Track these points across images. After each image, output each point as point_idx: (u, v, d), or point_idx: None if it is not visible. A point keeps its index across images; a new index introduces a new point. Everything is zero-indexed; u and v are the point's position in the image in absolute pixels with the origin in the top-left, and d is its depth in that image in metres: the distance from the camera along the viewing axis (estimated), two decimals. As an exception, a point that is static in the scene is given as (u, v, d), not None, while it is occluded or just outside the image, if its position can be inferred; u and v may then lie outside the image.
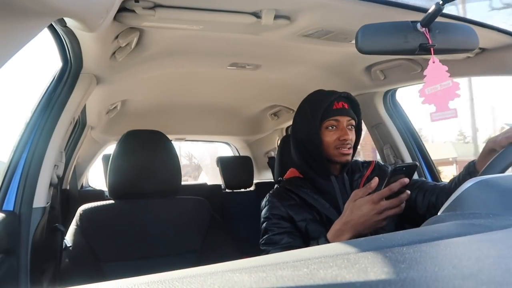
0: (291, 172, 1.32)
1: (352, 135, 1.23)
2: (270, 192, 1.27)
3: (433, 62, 0.86)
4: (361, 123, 1.29)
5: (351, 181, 1.26)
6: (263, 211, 1.22)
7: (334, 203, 1.20)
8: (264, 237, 1.17)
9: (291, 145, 1.31)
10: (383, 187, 0.94)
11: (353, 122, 1.24)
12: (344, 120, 1.21)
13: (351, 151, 1.22)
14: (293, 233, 1.15)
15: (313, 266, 0.34)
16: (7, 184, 1.18)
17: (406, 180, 0.93)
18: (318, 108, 1.20)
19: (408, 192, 0.96)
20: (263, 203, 1.25)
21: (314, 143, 1.20)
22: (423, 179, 1.28)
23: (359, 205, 0.97)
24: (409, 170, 0.94)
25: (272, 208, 1.19)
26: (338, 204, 1.20)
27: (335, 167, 1.25)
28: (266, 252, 1.13)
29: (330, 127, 1.21)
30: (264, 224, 1.19)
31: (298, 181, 1.26)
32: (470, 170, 1.08)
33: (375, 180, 0.97)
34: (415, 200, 1.17)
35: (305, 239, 1.15)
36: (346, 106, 1.23)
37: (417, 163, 0.98)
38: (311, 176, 1.25)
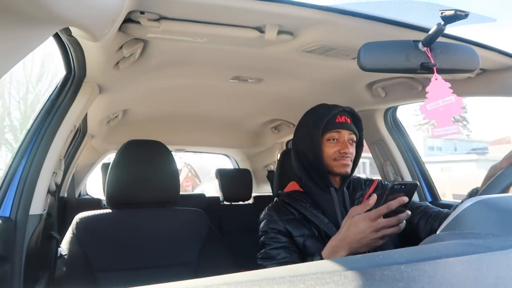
0: (291, 186, 1.32)
1: (352, 149, 1.23)
2: (269, 205, 1.26)
3: (436, 80, 0.87)
4: (363, 139, 1.29)
5: (352, 199, 1.25)
6: (261, 225, 1.21)
7: (333, 218, 1.19)
8: (261, 251, 1.16)
9: (292, 156, 1.31)
10: (381, 204, 0.93)
11: (354, 137, 1.24)
12: (346, 133, 1.22)
13: (350, 163, 1.22)
14: (290, 248, 1.14)
15: (310, 282, 0.34)
16: (5, 190, 1.17)
17: (405, 198, 0.91)
18: (321, 120, 1.21)
19: (409, 212, 0.94)
20: (262, 216, 1.24)
21: (315, 154, 1.20)
22: (428, 203, 1.27)
23: (356, 222, 0.96)
24: (408, 188, 0.93)
25: (270, 222, 1.18)
26: (337, 219, 1.19)
27: (335, 179, 1.25)
28: (263, 266, 1.12)
29: (332, 140, 1.22)
30: (261, 238, 1.18)
31: (298, 195, 1.26)
32: (472, 197, 1.07)
33: (374, 197, 0.96)
34: (417, 224, 1.16)
35: (303, 255, 1.14)
36: (348, 120, 1.24)
37: (417, 183, 0.97)
38: (311, 189, 1.25)
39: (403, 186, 0.92)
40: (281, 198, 1.28)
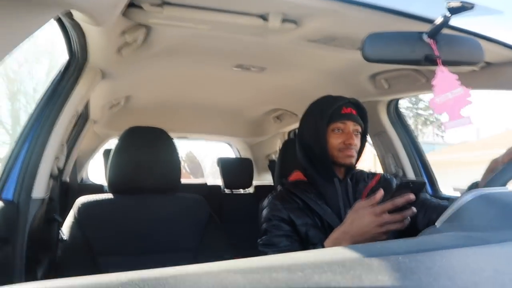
0: (296, 175, 1.32)
1: (357, 141, 1.23)
2: (273, 193, 1.27)
3: (442, 72, 0.86)
4: (367, 130, 1.29)
5: (355, 190, 1.26)
6: (264, 212, 1.21)
7: (336, 209, 1.19)
8: (263, 238, 1.17)
9: (296, 146, 1.31)
10: (387, 200, 0.92)
11: (359, 129, 1.25)
12: (351, 125, 1.22)
13: (355, 154, 1.23)
14: (292, 236, 1.15)
15: (308, 271, 0.34)
16: (7, 173, 1.18)
17: (412, 196, 0.91)
18: (326, 111, 1.21)
19: (414, 209, 0.94)
20: (265, 203, 1.24)
21: (320, 145, 1.21)
22: (427, 195, 1.27)
23: (361, 216, 0.96)
24: (416, 187, 0.93)
25: (274, 210, 1.19)
26: (340, 210, 1.19)
27: (340, 170, 1.25)
28: (264, 253, 1.13)
29: (336, 130, 1.22)
30: (264, 225, 1.19)
31: (303, 184, 1.26)
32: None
33: (380, 192, 0.96)
34: (416, 215, 1.15)
35: (304, 244, 1.14)
36: (353, 112, 1.24)
37: (425, 181, 0.97)
38: (315, 179, 1.25)
39: (411, 184, 0.92)
40: (285, 186, 1.28)
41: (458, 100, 0.84)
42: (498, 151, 0.93)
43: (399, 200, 0.91)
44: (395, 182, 1.31)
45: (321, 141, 1.21)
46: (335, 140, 1.21)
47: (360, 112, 1.27)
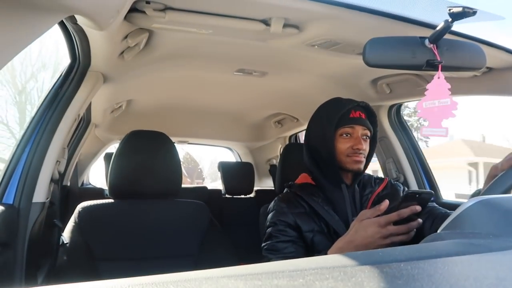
0: (303, 178, 1.29)
1: (366, 146, 1.20)
2: (279, 196, 1.24)
3: (438, 78, 0.86)
4: (377, 134, 1.27)
5: (361, 195, 1.23)
6: (270, 215, 1.19)
7: (344, 215, 1.17)
8: (268, 242, 1.15)
9: (304, 150, 1.29)
10: (393, 210, 0.90)
11: (368, 133, 1.21)
12: (359, 129, 1.19)
13: (363, 159, 1.20)
14: (298, 243, 1.13)
15: (309, 277, 0.34)
16: (8, 177, 1.18)
17: (418, 208, 0.89)
18: (335, 115, 1.18)
19: (420, 221, 0.92)
20: (271, 206, 1.22)
21: (327, 149, 1.18)
22: (434, 204, 1.23)
23: (365, 226, 0.94)
24: (423, 198, 0.91)
25: (280, 214, 1.16)
26: (347, 216, 1.17)
27: (347, 176, 1.23)
28: (267, 258, 1.12)
29: (345, 135, 1.19)
30: (269, 229, 1.16)
31: (310, 188, 1.23)
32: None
33: (385, 203, 0.94)
34: (422, 225, 1.12)
35: (309, 250, 1.13)
36: (363, 115, 1.21)
37: (433, 192, 0.95)
38: (322, 184, 1.23)
39: (417, 195, 0.90)
40: (292, 189, 1.25)
41: (443, 109, 0.85)
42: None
43: (405, 211, 0.89)
44: (402, 188, 1.29)
45: (329, 146, 1.18)
46: (343, 145, 1.18)
47: (369, 116, 1.24)
